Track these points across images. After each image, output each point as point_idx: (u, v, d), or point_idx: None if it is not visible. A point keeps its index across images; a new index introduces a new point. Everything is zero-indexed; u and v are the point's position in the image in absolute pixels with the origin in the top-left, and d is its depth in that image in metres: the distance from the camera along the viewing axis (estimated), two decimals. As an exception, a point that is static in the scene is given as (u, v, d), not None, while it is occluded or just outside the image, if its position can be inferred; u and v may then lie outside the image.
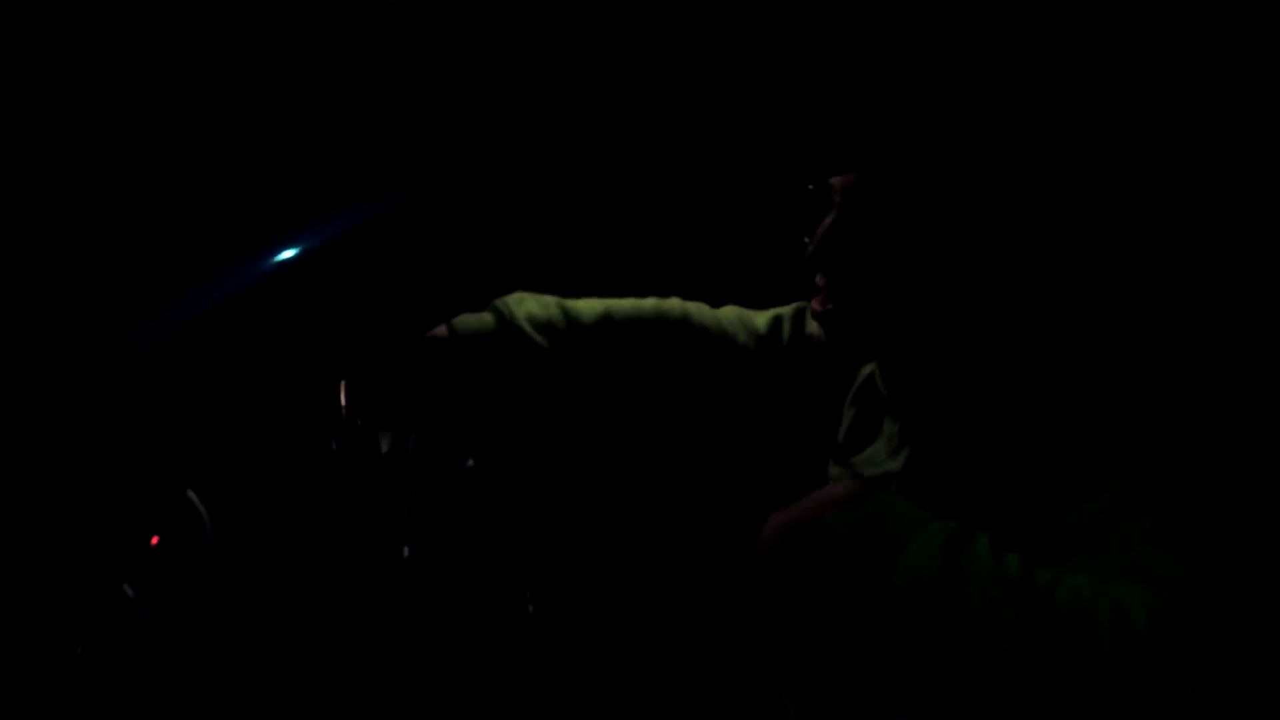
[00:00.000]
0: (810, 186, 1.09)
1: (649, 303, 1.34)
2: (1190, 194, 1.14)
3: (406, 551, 1.27)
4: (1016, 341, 1.03)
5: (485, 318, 1.30)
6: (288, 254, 1.24)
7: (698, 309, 1.34)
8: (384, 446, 1.28)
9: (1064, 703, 0.77)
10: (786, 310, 1.34)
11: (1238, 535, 0.89)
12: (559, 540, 1.42)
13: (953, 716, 0.86)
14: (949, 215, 0.99)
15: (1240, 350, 1.14)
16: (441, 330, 1.29)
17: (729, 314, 1.34)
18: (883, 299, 1.04)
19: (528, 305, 1.31)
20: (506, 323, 1.29)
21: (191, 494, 1.21)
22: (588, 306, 1.33)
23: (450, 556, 1.34)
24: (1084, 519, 0.89)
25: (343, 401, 1.27)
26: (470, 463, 1.38)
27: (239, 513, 1.28)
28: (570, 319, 1.31)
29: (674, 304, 1.34)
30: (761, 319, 1.34)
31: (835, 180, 1.06)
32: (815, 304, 1.10)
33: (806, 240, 1.07)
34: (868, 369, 1.22)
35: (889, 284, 1.03)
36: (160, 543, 1.19)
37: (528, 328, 1.29)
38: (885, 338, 1.06)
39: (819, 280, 1.10)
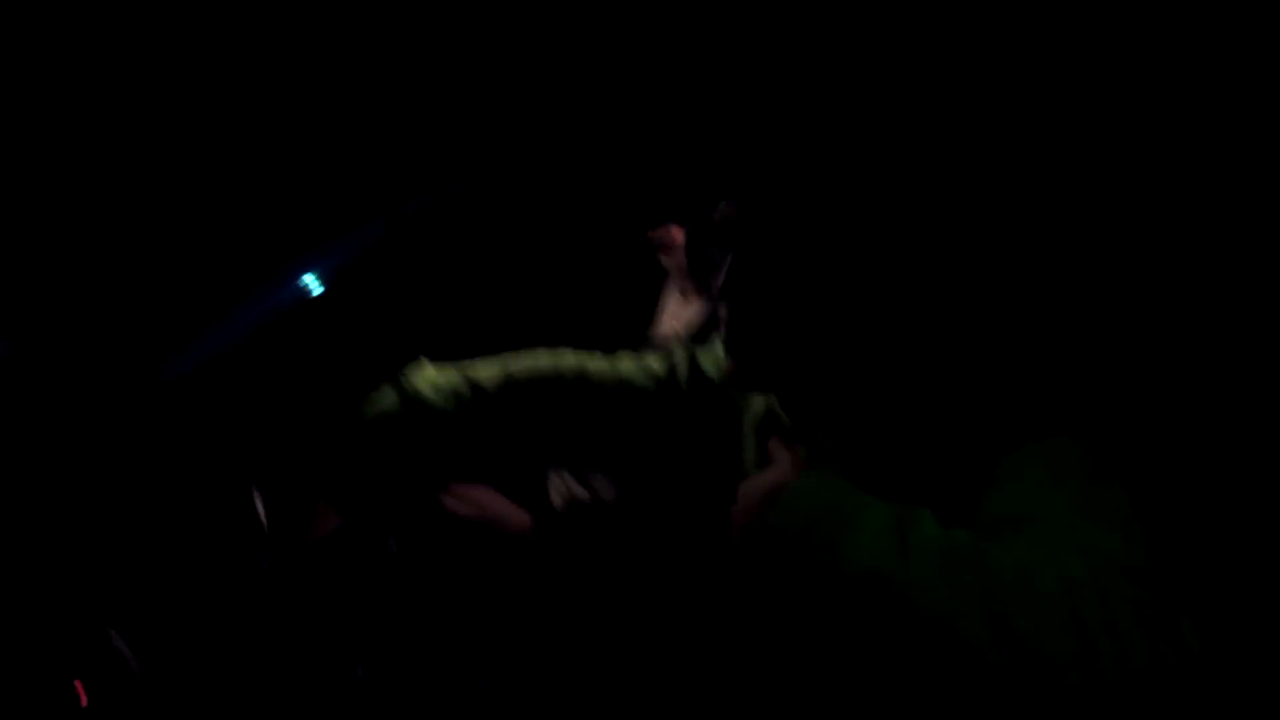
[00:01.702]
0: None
1: (545, 360, 1.35)
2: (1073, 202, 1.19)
3: (360, 671, 1.25)
4: (906, 352, 1.05)
5: (389, 397, 1.31)
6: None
7: (594, 361, 1.35)
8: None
9: (1014, 673, 0.76)
10: (680, 352, 1.37)
11: (1158, 503, 0.93)
12: (496, 607, 1.42)
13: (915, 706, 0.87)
14: (840, 235, 1.00)
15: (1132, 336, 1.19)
16: (346, 418, 1.30)
17: (625, 361, 1.37)
18: (788, 323, 1.03)
19: (428, 374, 1.33)
20: (410, 398, 1.30)
21: (114, 634, 1.17)
22: (487, 371, 1.34)
23: (404, 651, 1.33)
24: (1004, 503, 0.89)
25: (260, 512, 1.25)
26: (393, 543, 1.37)
27: (169, 649, 1.24)
28: (473, 384, 1.32)
29: (569, 358, 1.35)
30: (657, 362, 1.36)
31: (722, 212, 1.07)
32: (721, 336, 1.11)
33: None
34: (762, 400, 1.25)
35: (795, 307, 1.02)
36: (89, 699, 1.14)
37: (432, 397, 1.30)
38: (790, 362, 1.08)
39: (722, 314, 1.11)
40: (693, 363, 1.32)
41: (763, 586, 1.01)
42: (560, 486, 1.47)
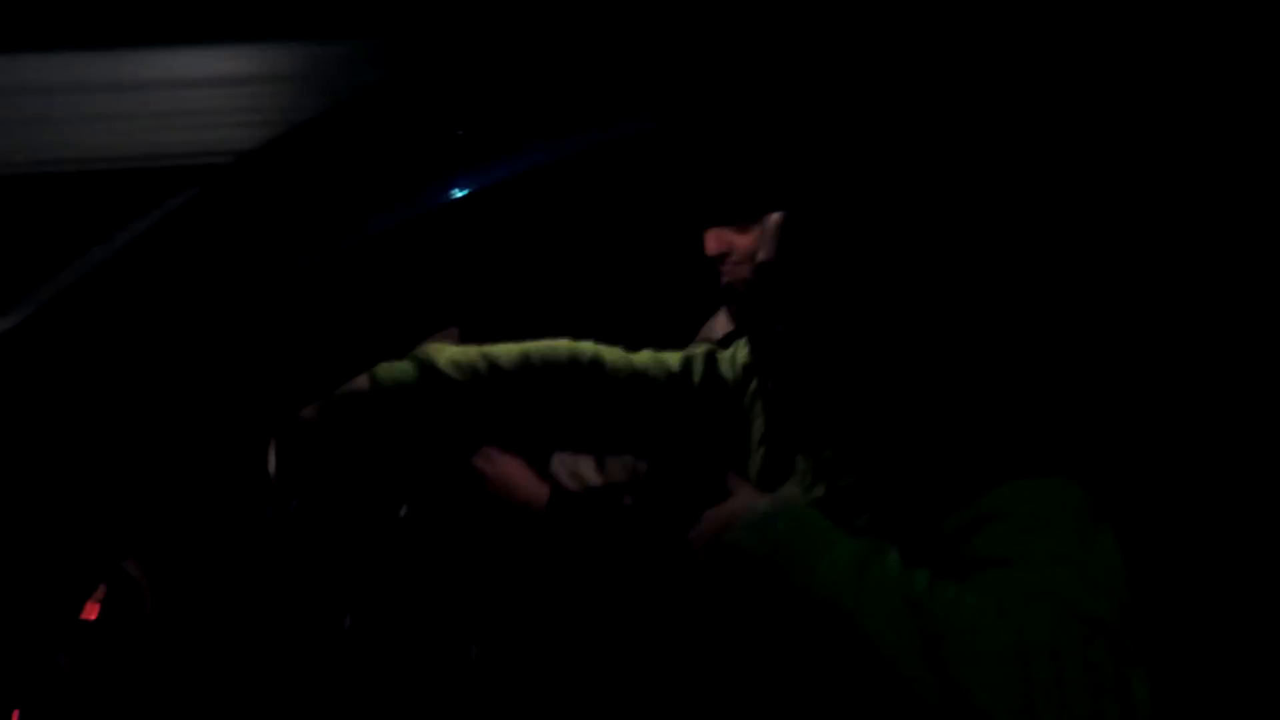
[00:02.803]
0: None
1: (563, 344, 1.40)
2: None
3: (349, 621, 1.28)
4: (916, 375, 1.09)
5: (406, 367, 1.34)
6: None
7: (610, 350, 1.40)
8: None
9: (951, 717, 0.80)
10: (698, 350, 1.42)
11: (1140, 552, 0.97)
12: (497, 580, 1.45)
13: None
14: (882, 244, 1.02)
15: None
16: (363, 383, 1.32)
17: (642, 355, 1.41)
18: (813, 340, 1.05)
19: (449, 352, 1.36)
20: (429, 369, 1.33)
21: (131, 565, 1.20)
22: (505, 351, 1.38)
23: (396, 611, 1.36)
24: (985, 543, 0.91)
25: (271, 465, 1.29)
26: (404, 511, 1.40)
27: (179, 584, 1.27)
28: (491, 363, 1.36)
29: (586, 346, 1.40)
30: (674, 358, 1.41)
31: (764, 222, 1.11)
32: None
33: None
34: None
35: (823, 324, 1.04)
36: (99, 615, 1.18)
37: (451, 372, 1.34)
38: (811, 376, 1.11)
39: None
40: (709, 362, 1.37)
41: (721, 601, 1.05)
42: (565, 467, 1.52)
